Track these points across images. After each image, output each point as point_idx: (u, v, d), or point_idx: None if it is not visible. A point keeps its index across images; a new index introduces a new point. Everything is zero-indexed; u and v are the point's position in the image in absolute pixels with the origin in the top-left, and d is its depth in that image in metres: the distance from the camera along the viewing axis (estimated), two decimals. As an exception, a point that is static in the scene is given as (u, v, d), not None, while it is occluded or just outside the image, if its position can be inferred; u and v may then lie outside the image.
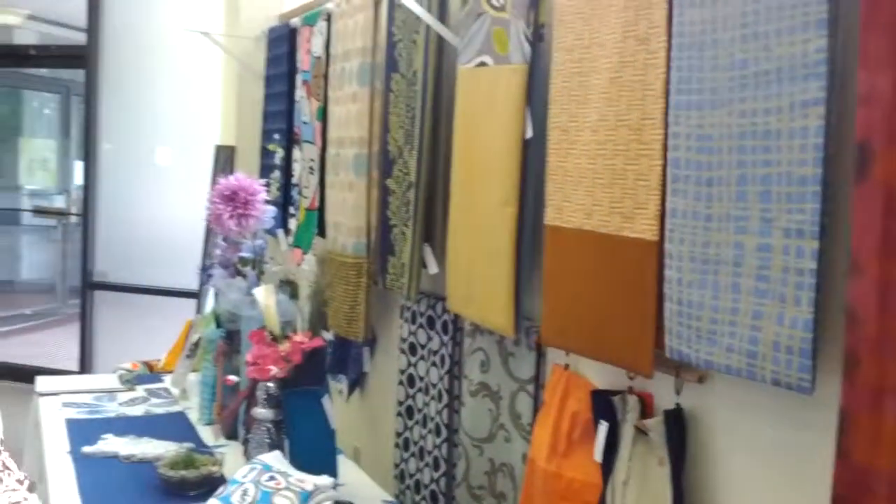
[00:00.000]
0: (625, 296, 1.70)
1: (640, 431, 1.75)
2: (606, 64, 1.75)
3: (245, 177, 2.43)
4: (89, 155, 5.73)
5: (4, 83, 7.69)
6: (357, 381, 3.20)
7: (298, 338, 2.08)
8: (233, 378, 2.19)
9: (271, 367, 2.02)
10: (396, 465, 2.77)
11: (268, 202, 2.53)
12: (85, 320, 5.78)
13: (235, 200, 2.37)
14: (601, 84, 1.77)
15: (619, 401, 1.81)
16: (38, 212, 7.72)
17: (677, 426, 1.68)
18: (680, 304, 1.57)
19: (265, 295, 2.19)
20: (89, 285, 5.76)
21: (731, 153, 1.45)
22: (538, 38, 1.99)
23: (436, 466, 2.55)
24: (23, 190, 8.22)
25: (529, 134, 2.00)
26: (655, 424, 1.70)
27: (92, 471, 2.27)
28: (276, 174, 3.61)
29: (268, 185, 2.57)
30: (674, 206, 1.59)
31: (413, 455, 2.68)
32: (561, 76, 1.88)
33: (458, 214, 2.27)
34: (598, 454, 1.83)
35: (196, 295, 4.91)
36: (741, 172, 1.43)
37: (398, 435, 2.77)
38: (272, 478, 1.86)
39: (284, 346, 2.06)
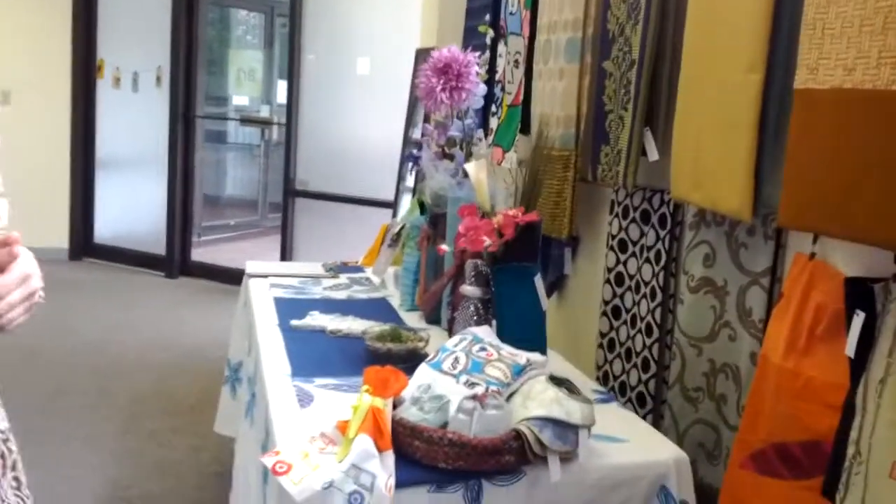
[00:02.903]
0: (891, 160, 1.46)
1: (907, 322, 1.52)
2: None
3: (458, 49, 2.32)
4: (293, 66, 5.87)
5: (214, 1, 8.02)
6: (556, 284, 3.07)
7: (512, 212, 1.97)
8: (444, 247, 2.12)
9: (484, 237, 1.92)
10: (599, 367, 2.64)
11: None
12: (286, 225, 6.00)
13: (448, 73, 2.28)
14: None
15: (880, 289, 1.58)
16: (244, 121, 8.04)
17: (959, 315, 1.44)
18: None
19: (476, 169, 2.09)
20: (291, 192, 5.95)
21: None
22: None
23: (644, 367, 2.40)
24: (230, 105, 8.60)
25: (784, -13, 1.76)
26: (929, 313, 1.47)
27: (300, 342, 2.28)
28: (486, 56, 3.46)
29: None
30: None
31: (618, 356, 2.54)
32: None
33: (690, 88, 2.07)
34: (850, 349, 1.62)
35: (392, 205, 4.94)
36: None
37: (602, 335, 2.63)
38: (483, 349, 1.78)
39: (497, 219, 1.96)
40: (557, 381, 1.67)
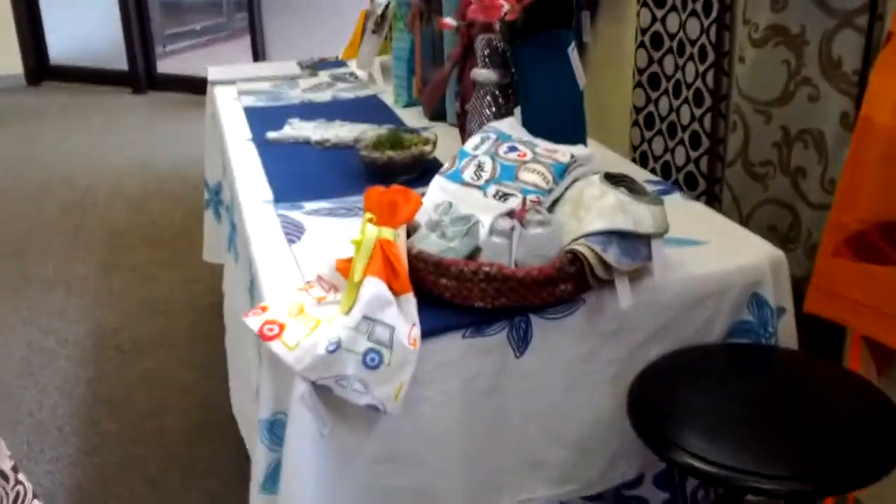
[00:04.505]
0: None
1: None
2: None
3: None
4: None
5: None
6: (573, 56, 2.62)
7: (531, -36, 1.50)
8: (449, 21, 1.67)
9: (501, 1, 1.47)
10: (635, 147, 2.25)
11: None
12: (254, 24, 5.41)
13: None
14: None
15: None
16: None
17: None
18: None
19: (477, -87, 1.59)
20: (254, -14, 5.32)
21: None
22: None
23: (694, 144, 2.01)
24: None
25: None
26: None
27: (280, 159, 1.88)
28: None
29: None
30: None
31: (659, 133, 2.15)
32: None
33: None
34: None
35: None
36: None
37: (637, 110, 2.22)
38: (513, 148, 1.38)
39: (514, -24, 1.50)
40: (613, 178, 1.29)
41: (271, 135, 2.01)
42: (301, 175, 1.77)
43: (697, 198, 2.02)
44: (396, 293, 1.19)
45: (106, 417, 2.35)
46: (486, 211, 1.26)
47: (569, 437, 1.33)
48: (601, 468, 1.38)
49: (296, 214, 1.57)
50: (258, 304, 1.29)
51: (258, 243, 1.48)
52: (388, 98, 2.37)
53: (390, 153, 1.68)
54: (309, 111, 2.22)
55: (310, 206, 1.61)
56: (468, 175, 1.35)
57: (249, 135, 2.07)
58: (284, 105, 2.32)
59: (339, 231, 1.48)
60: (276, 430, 1.22)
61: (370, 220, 1.23)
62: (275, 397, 1.22)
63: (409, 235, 1.27)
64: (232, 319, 1.99)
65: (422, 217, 1.29)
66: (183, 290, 3.06)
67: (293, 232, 1.51)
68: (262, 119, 2.17)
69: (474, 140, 1.41)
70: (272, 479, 1.24)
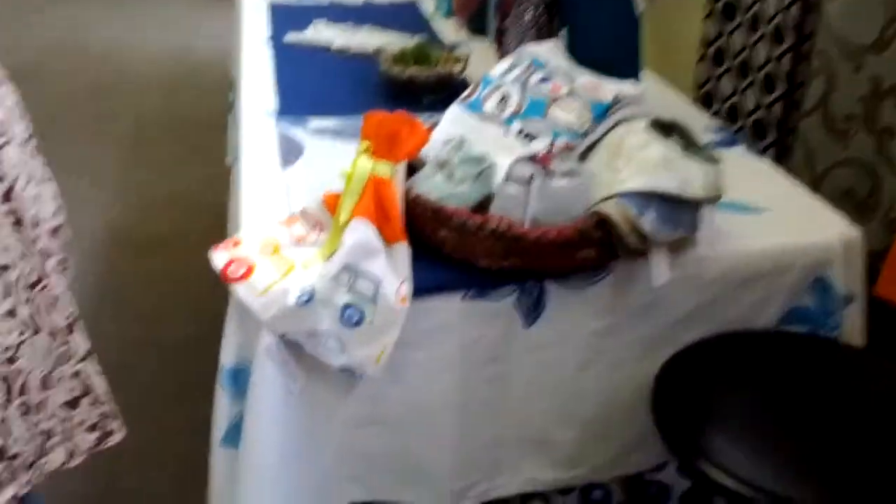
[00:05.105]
0: None
1: None
2: None
3: None
4: None
5: None
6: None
7: None
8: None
9: None
10: (700, 86, 2.00)
11: None
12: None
13: None
14: None
15: None
16: None
17: None
18: None
19: None
20: None
21: None
22: None
23: (768, 86, 1.76)
24: None
25: None
26: None
27: (294, 65, 1.68)
28: None
29: None
30: None
31: (728, 71, 1.89)
32: None
33: None
34: None
35: None
36: None
37: (707, 44, 1.96)
38: (546, 79, 1.16)
39: None
40: (663, 126, 1.07)
41: (290, 37, 1.80)
42: (314, 86, 1.58)
43: (765, 149, 1.78)
44: (387, 241, 1.00)
45: (106, 318, 2.23)
46: (504, 152, 1.06)
47: (579, 417, 1.16)
48: (614, 454, 1.20)
49: (297, 132, 1.38)
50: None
51: (249, 161, 1.31)
52: (430, 4, 2.13)
53: (412, 70, 1.47)
54: (339, 13, 2.00)
55: (316, 123, 1.41)
56: (490, 106, 1.14)
57: (269, 33, 1.87)
58: (314, 4, 2.10)
59: (341, 156, 1.28)
60: (240, 379, 1.06)
61: (366, 151, 1.04)
62: (240, 344, 1.05)
63: (413, 172, 1.08)
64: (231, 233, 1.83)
65: (430, 151, 1.09)
66: (203, 189, 2.91)
67: (290, 151, 1.32)
68: (286, 17, 1.96)
69: (503, 65, 1.20)
70: (235, 431, 1.08)
